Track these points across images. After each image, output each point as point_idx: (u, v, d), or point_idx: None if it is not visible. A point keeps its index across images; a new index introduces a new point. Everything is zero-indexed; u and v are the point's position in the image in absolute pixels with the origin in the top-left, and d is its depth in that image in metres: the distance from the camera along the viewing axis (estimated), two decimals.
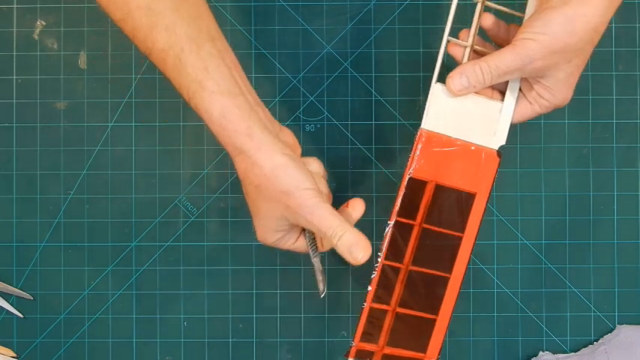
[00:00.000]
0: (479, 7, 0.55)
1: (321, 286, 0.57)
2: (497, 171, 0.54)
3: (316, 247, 0.56)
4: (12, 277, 0.68)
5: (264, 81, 0.68)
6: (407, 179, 0.54)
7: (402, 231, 0.54)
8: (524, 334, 0.67)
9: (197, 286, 0.68)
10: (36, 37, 0.69)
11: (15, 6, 0.69)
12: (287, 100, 0.68)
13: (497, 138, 0.54)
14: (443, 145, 0.54)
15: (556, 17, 0.48)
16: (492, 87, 0.54)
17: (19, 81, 0.69)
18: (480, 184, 0.54)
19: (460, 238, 0.54)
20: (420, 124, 0.54)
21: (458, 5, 0.54)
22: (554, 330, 0.67)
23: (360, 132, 0.68)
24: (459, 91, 0.53)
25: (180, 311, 0.68)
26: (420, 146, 0.54)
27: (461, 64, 0.54)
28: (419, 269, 0.54)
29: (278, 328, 0.68)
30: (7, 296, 0.68)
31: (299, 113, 0.68)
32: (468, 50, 0.55)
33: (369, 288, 0.54)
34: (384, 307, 0.54)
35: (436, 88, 0.54)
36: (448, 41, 0.55)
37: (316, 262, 0.56)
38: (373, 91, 0.68)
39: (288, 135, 0.54)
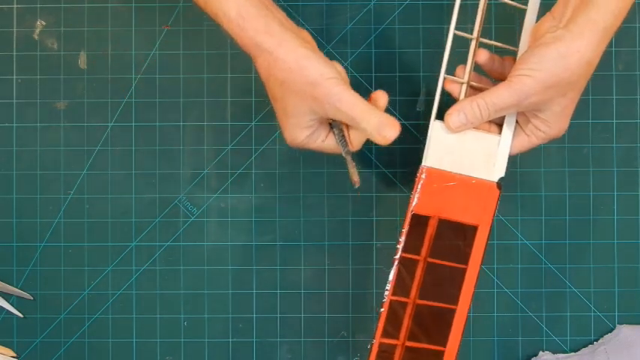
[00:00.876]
0: (473, 43, 0.56)
1: (355, 177, 0.58)
2: (497, 202, 0.56)
3: (346, 143, 0.56)
4: (12, 277, 0.68)
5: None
6: (410, 216, 0.55)
7: (407, 266, 0.55)
8: (524, 334, 0.67)
9: (197, 286, 0.68)
10: (36, 37, 0.69)
11: (15, 6, 0.69)
12: None
13: (496, 170, 0.56)
14: (444, 181, 0.55)
15: (550, 53, 0.49)
16: (490, 120, 0.56)
17: (19, 81, 0.69)
18: (481, 216, 0.56)
19: (464, 270, 0.55)
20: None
21: (454, 36, 0.56)
22: (554, 330, 0.67)
23: None
24: (457, 128, 0.54)
25: (180, 311, 0.68)
26: (421, 183, 0.55)
27: (458, 100, 0.56)
28: (426, 303, 0.55)
29: (278, 328, 0.68)
30: (7, 296, 0.68)
31: None
32: (464, 87, 0.56)
33: (378, 324, 0.55)
34: (393, 341, 0.55)
35: (435, 126, 0.55)
36: (445, 78, 0.56)
37: (348, 157, 0.57)
38: (373, 91, 0.68)
39: (306, 34, 0.54)
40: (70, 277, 0.68)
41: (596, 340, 0.67)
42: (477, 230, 0.55)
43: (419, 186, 0.55)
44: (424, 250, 0.55)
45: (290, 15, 0.68)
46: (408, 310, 0.55)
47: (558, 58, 0.49)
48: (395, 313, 0.55)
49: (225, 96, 0.68)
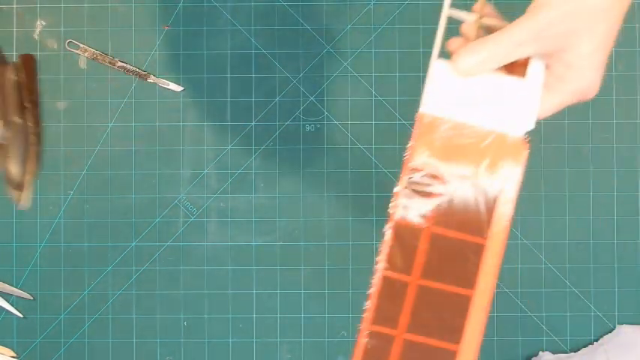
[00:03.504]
0: None
1: None
2: (525, 163, 0.46)
3: None
4: (12, 277, 0.68)
5: (264, 81, 0.68)
6: (406, 171, 0.45)
7: (405, 235, 0.44)
8: (524, 334, 0.67)
9: (197, 286, 0.68)
10: (36, 37, 0.69)
11: (15, 6, 0.69)
12: (287, 100, 0.68)
13: (521, 121, 0.45)
14: (450, 133, 0.45)
15: None
16: (512, 69, 0.47)
17: None
18: (503, 177, 0.45)
19: (482, 246, 0.44)
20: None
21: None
22: (554, 330, 0.67)
23: (360, 132, 0.68)
24: (469, 70, 0.45)
25: (180, 311, 0.68)
26: (419, 132, 0.45)
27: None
28: (432, 284, 0.44)
29: (278, 328, 0.68)
30: (7, 296, 0.68)
31: (299, 113, 0.68)
32: (475, 26, 0.47)
33: (367, 308, 0.45)
34: (388, 331, 0.45)
35: (438, 66, 0.46)
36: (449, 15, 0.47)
37: None
38: (373, 91, 0.68)
39: None
40: (70, 277, 0.68)
41: (596, 340, 0.67)
42: (497, 199, 0.44)
43: (417, 136, 0.45)
44: (429, 220, 0.44)
45: (290, 15, 0.68)
46: (409, 293, 0.44)
47: None
48: (390, 295, 0.44)
49: (225, 96, 0.68)
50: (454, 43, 0.48)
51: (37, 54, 0.69)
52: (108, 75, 0.68)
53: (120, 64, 0.68)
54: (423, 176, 0.45)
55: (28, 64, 0.45)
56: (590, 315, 0.67)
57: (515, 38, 0.44)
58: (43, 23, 0.69)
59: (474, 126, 0.45)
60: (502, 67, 0.46)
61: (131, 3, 0.69)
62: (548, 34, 0.44)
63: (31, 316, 0.68)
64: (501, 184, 0.45)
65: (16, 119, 0.43)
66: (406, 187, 0.45)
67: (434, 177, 0.45)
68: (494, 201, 0.44)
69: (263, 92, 0.68)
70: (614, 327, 0.67)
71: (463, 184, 0.45)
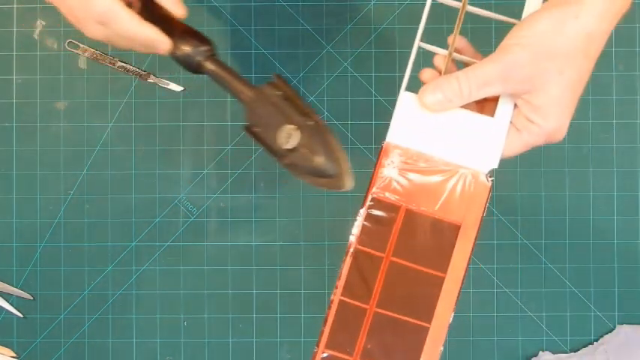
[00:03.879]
0: (461, 12, 0.48)
1: None
2: (488, 200, 0.45)
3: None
4: (12, 277, 0.68)
5: (264, 81, 0.68)
6: (369, 199, 0.45)
7: (364, 263, 0.44)
8: (524, 334, 0.67)
9: (197, 286, 0.68)
10: (36, 37, 0.69)
11: (15, 6, 0.69)
12: None
13: (487, 159, 0.45)
14: (415, 164, 0.45)
15: (543, 18, 0.43)
16: (483, 106, 0.48)
17: (19, 81, 0.69)
18: (465, 213, 0.44)
19: (442, 279, 0.44)
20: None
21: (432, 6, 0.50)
22: (554, 330, 0.67)
23: (360, 132, 0.68)
24: (433, 106, 0.45)
25: (180, 311, 0.68)
26: (383, 161, 0.45)
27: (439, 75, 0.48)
28: (388, 313, 0.44)
29: (278, 328, 0.68)
30: (7, 296, 0.68)
31: None
32: (446, 60, 0.47)
33: (323, 329, 0.44)
34: (343, 355, 0.44)
35: (405, 97, 0.46)
36: (420, 47, 0.48)
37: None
38: (373, 91, 0.68)
39: None
40: (70, 277, 0.68)
41: (596, 340, 0.67)
42: (458, 230, 0.44)
43: (382, 164, 0.45)
44: (389, 246, 0.44)
45: (290, 15, 0.68)
46: (365, 320, 0.44)
47: (552, 22, 0.43)
48: (346, 320, 0.44)
49: (225, 96, 0.68)
50: (425, 74, 0.48)
51: (37, 54, 0.69)
52: (108, 75, 0.68)
53: (120, 64, 0.68)
54: (383, 205, 0.45)
55: (281, 80, 0.50)
56: (590, 315, 0.67)
57: (482, 78, 0.44)
58: (43, 23, 0.69)
59: (439, 159, 0.45)
60: (472, 102, 0.46)
61: None
62: (516, 76, 0.43)
63: (31, 316, 0.68)
64: (461, 220, 0.45)
65: (307, 121, 0.48)
66: (366, 217, 0.45)
67: (394, 206, 0.45)
68: (455, 236, 0.44)
69: None
70: (614, 327, 0.67)
71: (422, 217, 0.45)
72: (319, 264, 0.67)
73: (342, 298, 0.44)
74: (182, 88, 0.68)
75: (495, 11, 0.49)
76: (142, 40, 0.48)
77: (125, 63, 0.68)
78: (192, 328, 0.68)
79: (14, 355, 0.68)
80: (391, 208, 0.44)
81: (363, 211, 0.45)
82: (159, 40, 0.48)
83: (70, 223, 0.68)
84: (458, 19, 0.48)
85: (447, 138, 0.45)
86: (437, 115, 0.45)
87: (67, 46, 0.68)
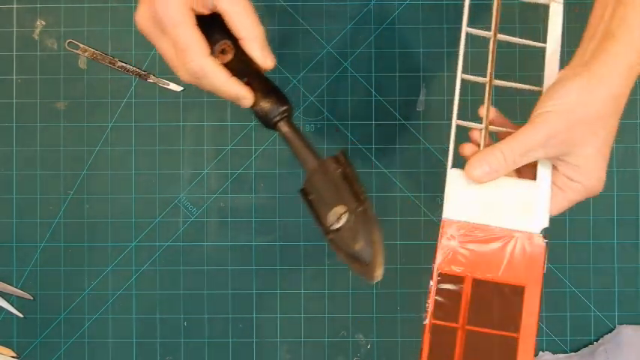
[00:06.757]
0: (488, 87, 0.51)
1: None
2: (545, 258, 0.48)
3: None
4: (12, 277, 0.68)
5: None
6: (436, 274, 0.48)
7: (441, 335, 0.47)
8: None
9: (197, 286, 0.68)
10: (36, 37, 0.69)
11: (15, 6, 0.69)
12: None
13: (537, 219, 0.48)
14: (473, 234, 0.49)
15: (573, 87, 0.46)
16: (520, 170, 0.51)
17: (19, 81, 0.69)
18: (526, 275, 0.47)
19: (516, 339, 0.47)
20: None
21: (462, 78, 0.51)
22: (554, 330, 0.67)
23: (360, 132, 0.68)
24: (481, 179, 0.49)
25: (180, 311, 0.68)
26: (445, 236, 0.48)
27: (478, 147, 0.51)
28: None
29: (278, 328, 0.68)
30: (7, 296, 0.68)
31: (299, 113, 0.68)
32: (483, 132, 0.51)
33: None
34: None
35: (453, 174, 0.49)
36: (458, 125, 0.51)
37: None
38: (373, 91, 0.68)
39: None
40: (70, 277, 0.68)
41: (596, 340, 0.67)
42: (524, 291, 0.47)
43: (442, 240, 0.48)
44: (461, 318, 0.47)
45: (290, 15, 0.68)
46: None
47: (581, 91, 0.46)
48: None
49: None
50: (466, 149, 0.52)
51: (37, 54, 0.69)
52: (108, 75, 0.68)
53: (120, 64, 0.68)
54: (450, 278, 0.48)
55: (344, 157, 0.51)
56: (590, 315, 0.67)
57: (523, 148, 0.47)
58: (43, 23, 0.69)
59: (494, 227, 0.48)
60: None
61: (131, 3, 0.69)
62: (555, 142, 0.47)
63: (31, 316, 0.68)
64: (524, 280, 0.48)
65: (358, 208, 0.49)
66: (436, 292, 0.48)
67: (460, 278, 0.48)
68: (522, 296, 0.47)
69: None
70: (614, 327, 0.67)
71: (488, 284, 0.48)
72: (319, 264, 0.67)
73: None
74: (182, 88, 0.68)
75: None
76: (227, 96, 0.50)
77: (125, 63, 0.68)
78: (192, 328, 0.68)
79: (14, 355, 0.68)
80: (458, 279, 0.48)
81: (432, 287, 0.48)
82: (244, 97, 0.50)
83: (70, 223, 0.68)
84: (487, 94, 0.51)
85: (497, 206, 0.49)
86: (483, 186, 0.49)
87: (67, 46, 0.68)
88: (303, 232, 0.68)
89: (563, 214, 0.67)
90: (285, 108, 0.51)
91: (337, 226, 0.49)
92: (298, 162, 0.52)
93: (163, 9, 0.47)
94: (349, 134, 0.68)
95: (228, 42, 0.51)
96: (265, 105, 0.51)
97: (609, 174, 0.67)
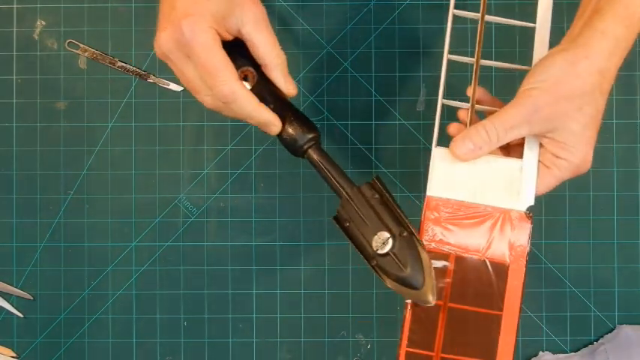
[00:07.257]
0: (475, 67, 0.51)
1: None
2: (530, 235, 0.48)
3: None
4: (12, 277, 0.68)
5: None
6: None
7: (423, 313, 0.48)
8: (524, 334, 0.67)
9: (197, 286, 0.68)
10: (36, 37, 0.69)
11: (15, 6, 0.69)
12: None
13: (522, 198, 0.48)
14: (457, 212, 0.49)
15: (556, 61, 0.46)
16: (509, 150, 0.51)
17: (19, 81, 0.69)
18: (511, 251, 0.48)
19: (499, 317, 0.47)
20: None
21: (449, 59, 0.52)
22: (554, 330, 0.67)
23: (360, 132, 0.68)
24: (465, 156, 0.49)
25: (180, 311, 0.68)
26: (428, 214, 0.48)
27: (465, 127, 0.51)
28: (454, 358, 0.47)
29: (278, 328, 0.68)
30: (7, 296, 0.68)
31: None
32: (469, 112, 0.51)
33: None
34: None
35: (438, 153, 0.50)
36: (443, 104, 0.52)
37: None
38: (373, 91, 0.68)
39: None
40: (70, 277, 0.68)
41: (596, 340, 0.67)
42: (507, 269, 0.48)
43: (426, 218, 0.49)
44: (444, 296, 0.48)
45: (290, 15, 0.68)
46: None
47: (565, 65, 0.46)
48: None
49: None
50: (453, 128, 0.52)
51: (37, 54, 0.69)
52: (108, 75, 0.68)
53: (120, 64, 0.68)
54: (434, 256, 0.49)
55: (380, 182, 0.50)
56: (590, 315, 0.67)
57: (508, 123, 0.47)
58: (43, 23, 0.69)
59: (479, 205, 0.49)
60: (499, 147, 0.49)
61: (131, 3, 0.69)
62: (539, 117, 0.47)
63: (31, 316, 0.68)
64: (509, 258, 0.48)
65: (403, 232, 0.48)
66: None
67: (444, 255, 0.49)
68: (506, 274, 0.48)
69: None
70: (614, 327, 0.67)
71: (472, 261, 0.48)
72: (319, 264, 0.67)
73: (408, 349, 0.47)
74: (182, 88, 0.68)
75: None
76: (256, 122, 0.49)
77: (125, 63, 0.68)
78: (192, 328, 0.68)
79: (14, 355, 0.68)
80: (441, 257, 0.48)
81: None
82: (273, 124, 0.50)
83: (70, 223, 0.68)
84: (474, 74, 0.51)
85: (483, 184, 0.49)
86: (469, 165, 0.49)
87: (67, 46, 0.68)
88: (303, 232, 0.68)
89: (563, 214, 0.67)
90: (313, 135, 0.51)
91: (383, 251, 0.48)
92: (331, 189, 0.51)
93: (191, 33, 0.46)
94: (349, 134, 0.68)
95: (251, 68, 0.50)
96: (292, 132, 0.50)
97: (609, 174, 0.68)
